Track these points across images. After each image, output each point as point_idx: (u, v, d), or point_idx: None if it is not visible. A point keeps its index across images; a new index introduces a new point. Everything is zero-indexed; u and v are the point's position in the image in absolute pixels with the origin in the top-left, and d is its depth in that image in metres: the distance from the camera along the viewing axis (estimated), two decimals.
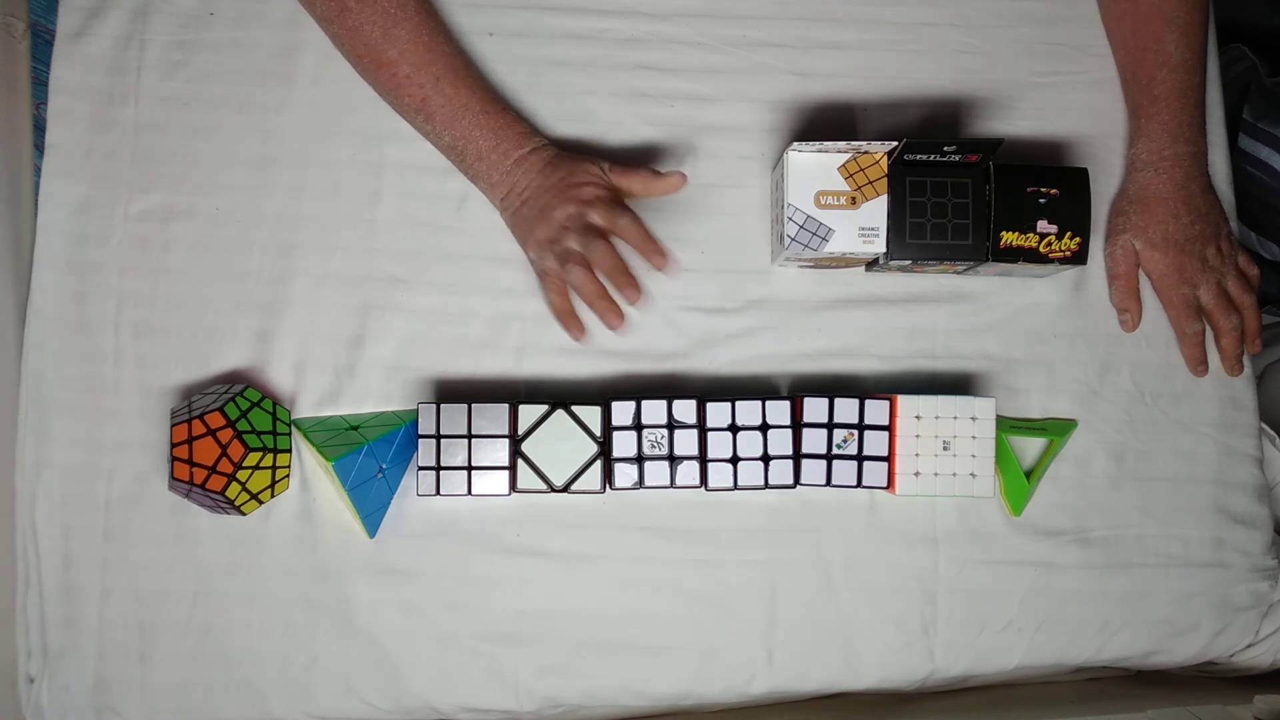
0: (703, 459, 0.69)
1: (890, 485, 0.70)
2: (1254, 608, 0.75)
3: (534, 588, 0.72)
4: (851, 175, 0.69)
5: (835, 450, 0.70)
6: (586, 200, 0.68)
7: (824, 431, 0.69)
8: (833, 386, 0.75)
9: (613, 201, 0.69)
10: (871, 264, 0.74)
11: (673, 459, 0.69)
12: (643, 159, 0.77)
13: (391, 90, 0.70)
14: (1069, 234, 0.69)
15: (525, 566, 0.72)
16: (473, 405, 0.68)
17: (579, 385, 0.75)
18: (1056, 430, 0.74)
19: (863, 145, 0.68)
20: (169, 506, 0.72)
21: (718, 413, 0.69)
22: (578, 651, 0.72)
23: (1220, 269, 0.75)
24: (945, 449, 0.69)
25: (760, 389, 0.75)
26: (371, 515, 0.70)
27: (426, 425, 0.68)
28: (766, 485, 0.69)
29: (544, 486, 0.68)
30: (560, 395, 0.74)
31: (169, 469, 0.66)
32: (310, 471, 0.73)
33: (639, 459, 0.69)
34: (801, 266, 0.76)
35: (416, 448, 0.69)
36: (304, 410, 0.73)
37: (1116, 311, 0.76)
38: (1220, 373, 0.77)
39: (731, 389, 0.75)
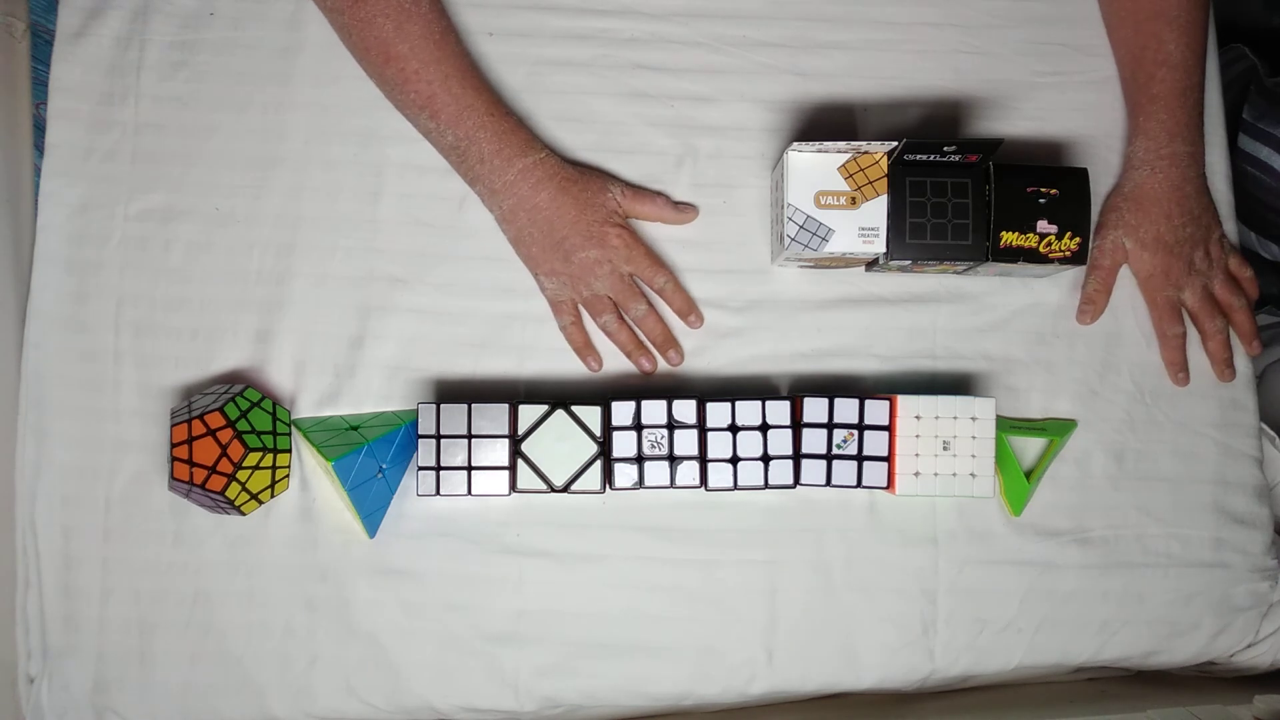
0: (703, 459, 0.69)
1: (890, 485, 0.70)
2: (1254, 608, 0.75)
3: (534, 588, 0.72)
4: (851, 175, 0.69)
5: (835, 450, 0.70)
6: (613, 247, 0.71)
7: (824, 431, 0.69)
8: (832, 386, 0.75)
9: (645, 255, 0.73)
10: (871, 264, 0.74)
11: (673, 459, 0.69)
12: (641, 163, 0.77)
13: (398, 85, 0.70)
14: (1069, 234, 0.70)
15: (525, 566, 0.72)
16: (473, 405, 0.68)
17: (579, 385, 0.75)
18: (1056, 430, 0.74)
19: (863, 145, 0.68)
20: (169, 506, 0.72)
21: (718, 413, 0.69)
22: (578, 651, 0.72)
23: (1207, 273, 0.75)
24: (945, 449, 0.69)
25: (760, 389, 0.75)
26: (371, 515, 0.70)
27: (426, 425, 0.68)
28: (766, 485, 0.69)
29: (544, 486, 0.68)
30: (560, 395, 0.74)
31: (169, 469, 0.66)
32: (310, 471, 0.73)
33: (639, 459, 0.69)
34: (801, 266, 0.76)
35: (416, 448, 0.69)
36: (304, 410, 0.73)
37: (1082, 300, 0.76)
38: None
39: (731, 389, 0.75)
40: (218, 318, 0.74)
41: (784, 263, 0.74)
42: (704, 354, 0.75)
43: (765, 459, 0.69)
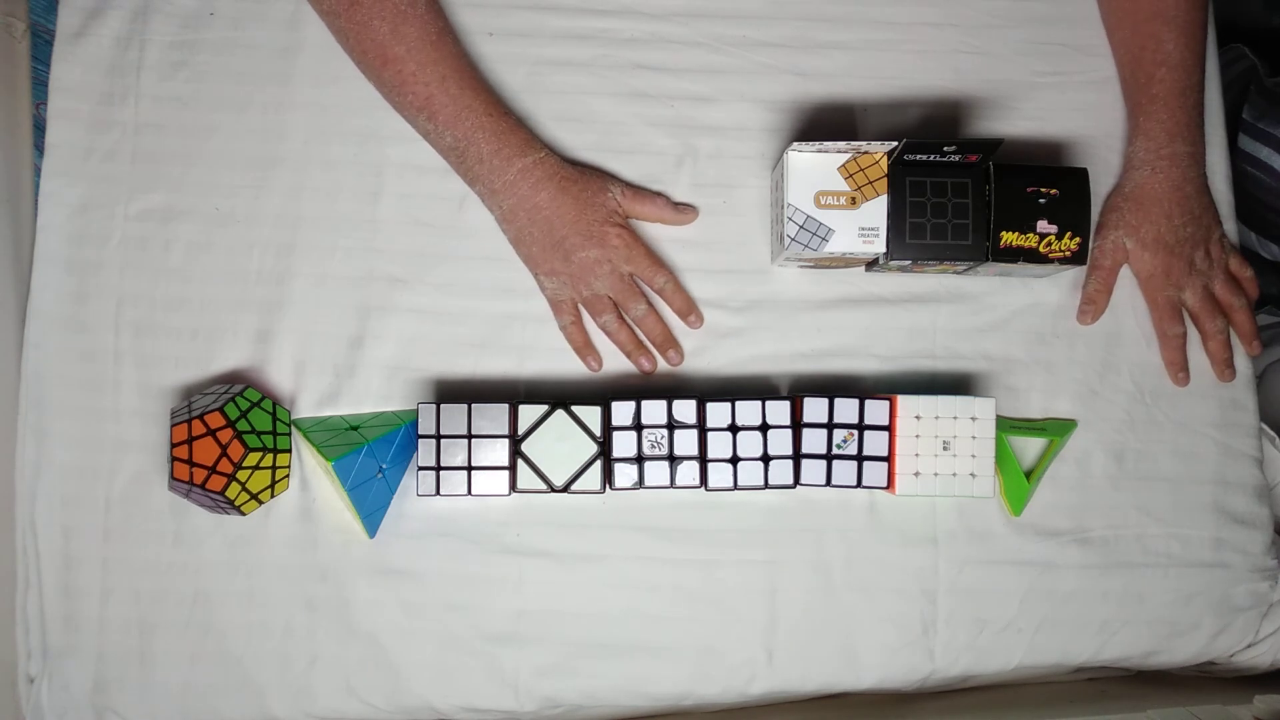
0: (703, 459, 0.69)
1: (890, 485, 0.70)
2: (1254, 608, 0.75)
3: (534, 588, 0.72)
4: (851, 175, 0.69)
5: (835, 450, 0.70)
6: (613, 247, 0.71)
7: (824, 431, 0.69)
8: (832, 386, 0.75)
9: (645, 255, 0.73)
10: (871, 264, 0.74)
11: (673, 459, 0.69)
12: (641, 163, 0.77)
13: (395, 87, 0.70)
14: (1069, 234, 0.70)
15: (525, 566, 0.72)
16: (473, 405, 0.68)
17: (579, 385, 0.75)
18: (1056, 430, 0.74)
19: (863, 145, 0.68)
20: (169, 506, 0.72)
21: (718, 413, 0.69)
22: (578, 651, 0.72)
23: (1208, 273, 0.75)
24: (945, 449, 0.69)
25: (760, 389, 0.75)
26: (371, 515, 0.70)
27: (426, 425, 0.68)
28: (766, 485, 0.69)
29: (544, 486, 0.68)
30: (560, 395, 0.74)
31: (169, 469, 0.66)
32: (310, 471, 0.73)
33: (639, 459, 0.69)
34: (801, 266, 0.76)
35: (416, 448, 0.69)
36: (304, 410, 0.73)
37: (1082, 300, 0.76)
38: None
39: (731, 389, 0.75)
40: (218, 318, 0.74)
41: (784, 263, 0.74)
42: (704, 354, 0.75)
43: (765, 459, 0.69)
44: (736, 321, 0.75)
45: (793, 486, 0.70)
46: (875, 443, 0.70)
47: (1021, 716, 0.72)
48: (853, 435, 0.70)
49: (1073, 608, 0.74)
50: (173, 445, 0.66)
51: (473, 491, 0.68)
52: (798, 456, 0.69)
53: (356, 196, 0.75)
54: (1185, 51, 0.73)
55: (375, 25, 0.68)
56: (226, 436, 0.66)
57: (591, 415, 0.69)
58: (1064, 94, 0.79)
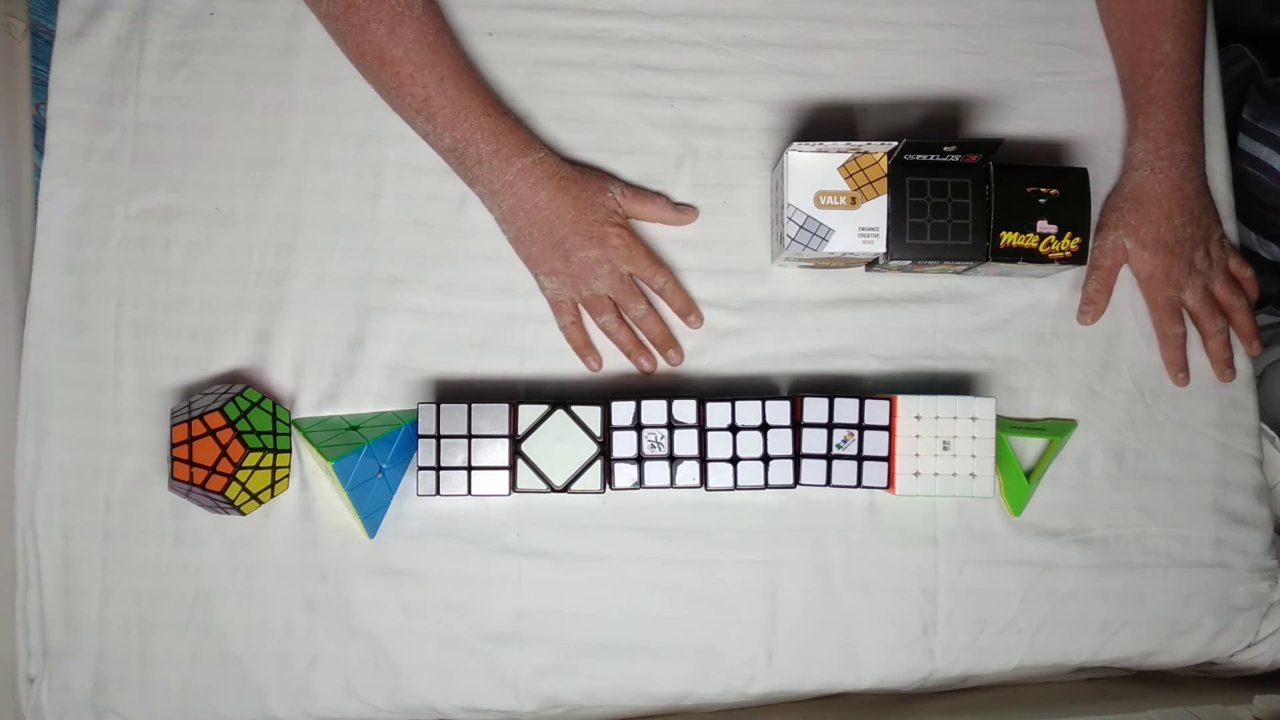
0: (703, 459, 0.69)
1: (890, 485, 0.70)
2: (1254, 608, 0.75)
3: (534, 588, 0.72)
4: (851, 175, 0.69)
5: (835, 450, 0.70)
6: (613, 247, 0.71)
7: (824, 431, 0.69)
8: (832, 386, 0.75)
9: (645, 254, 0.73)
10: (871, 264, 0.74)
11: (673, 459, 0.69)
12: (641, 163, 0.77)
13: (394, 89, 0.70)
14: (1069, 234, 0.70)
15: (525, 566, 0.72)
16: (473, 405, 0.68)
17: (579, 385, 0.75)
18: (1056, 430, 0.74)
19: (863, 145, 0.68)
20: (169, 506, 0.72)
21: (718, 413, 0.69)
22: (578, 651, 0.72)
23: (1208, 273, 0.75)
24: (945, 449, 0.69)
25: (760, 389, 0.75)
26: (371, 515, 0.70)
27: (426, 425, 0.68)
28: (766, 485, 0.69)
29: (544, 486, 0.68)
30: (560, 395, 0.74)
31: (169, 469, 0.66)
32: (310, 471, 0.73)
33: (639, 459, 0.69)
34: (801, 266, 0.76)
35: (416, 448, 0.69)
36: (304, 410, 0.73)
37: (1082, 300, 0.76)
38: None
39: (731, 389, 0.75)
40: (218, 318, 0.74)
41: (784, 263, 0.74)
42: (704, 354, 0.75)
43: (765, 459, 0.69)
44: (736, 321, 0.75)
45: (793, 486, 0.70)
46: (875, 443, 0.70)
47: (1021, 716, 0.72)
48: (853, 435, 0.70)
49: (1073, 608, 0.74)
50: (173, 445, 0.66)
51: (473, 491, 0.68)
52: (798, 456, 0.69)
53: (356, 196, 0.75)
54: (1183, 52, 0.73)
55: (372, 28, 0.68)
56: (226, 436, 0.66)
57: (591, 415, 0.69)
58: (1064, 94, 0.79)
